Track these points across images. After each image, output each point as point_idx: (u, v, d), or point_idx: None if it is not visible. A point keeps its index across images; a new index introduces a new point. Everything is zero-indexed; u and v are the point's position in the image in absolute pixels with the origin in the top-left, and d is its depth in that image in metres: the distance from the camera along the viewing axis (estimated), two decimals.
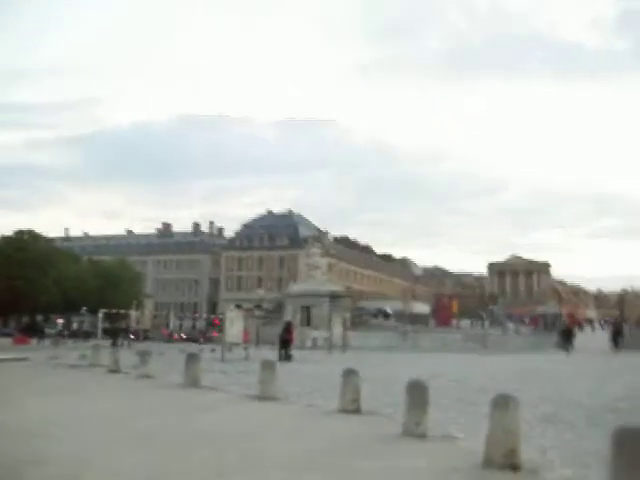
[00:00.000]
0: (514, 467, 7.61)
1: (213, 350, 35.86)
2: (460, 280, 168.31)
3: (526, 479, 7.40)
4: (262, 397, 14.60)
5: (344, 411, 12.43)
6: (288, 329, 34.09)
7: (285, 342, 32.92)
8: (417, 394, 10.01)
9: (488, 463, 7.75)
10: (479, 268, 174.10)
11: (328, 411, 12.75)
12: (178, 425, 11.41)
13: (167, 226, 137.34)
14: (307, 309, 51.80)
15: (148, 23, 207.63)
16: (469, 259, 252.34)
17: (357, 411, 12.37)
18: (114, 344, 38.06)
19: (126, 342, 47.10)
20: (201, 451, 9.02)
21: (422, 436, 9.68)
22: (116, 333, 48.53)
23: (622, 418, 11.27)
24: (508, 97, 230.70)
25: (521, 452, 7.84)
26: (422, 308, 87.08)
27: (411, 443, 9.51)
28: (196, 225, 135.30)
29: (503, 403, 8.01)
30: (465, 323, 75.92)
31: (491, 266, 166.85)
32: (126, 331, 53.49)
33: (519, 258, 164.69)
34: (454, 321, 74.85)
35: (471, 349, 39.36)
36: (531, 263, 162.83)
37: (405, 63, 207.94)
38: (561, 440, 10.08)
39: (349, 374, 12.98)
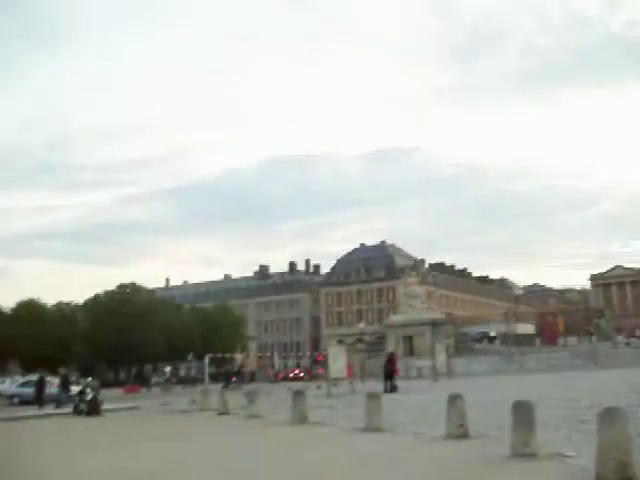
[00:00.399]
0: None
1: (319, 387, 36.08)
2: (563, 296, 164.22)
3: None
4: (369, 429, 14.69)
5: (451, 437, 12.40)
6: (391, 360, 34.08)
7: (389, 373, 32.91)
8: (523, 414, 9.95)
9: (600, 479, 7.65)
10: (581, 282, 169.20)
11: (435, 438, 12.75)
12: (288, 461, 11.63)
13: (264, 268, 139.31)
14: (409, 339, 51.64)
15: (223, 70, 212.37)
16: (570, 274, 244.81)
17: (464, 436, 12.32)
18: (224, 387, 38.58)
19: (234, 385, 47.80)
20: None
21: (532, 455, 9.59)
22: (226, 376, 49.21)
23: None
24: (593, 105, 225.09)
25: (634, 465, 7.69)
26: (526, 328, 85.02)
27: (520, 463, 9.44)
28: (292, 264, 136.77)
29: (610, 416, 7.91)
30: (572, 340, 73.83)
31: (594, 278, 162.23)
32: (239, 374, 54.11)
33: (623, 268, 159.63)
34: (561, 339, 72.80)
35: (580, 366, 38.32)
36: (636, 272, 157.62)
37: (483, 82, 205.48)
38: None
39: (454, 399, 12.96)
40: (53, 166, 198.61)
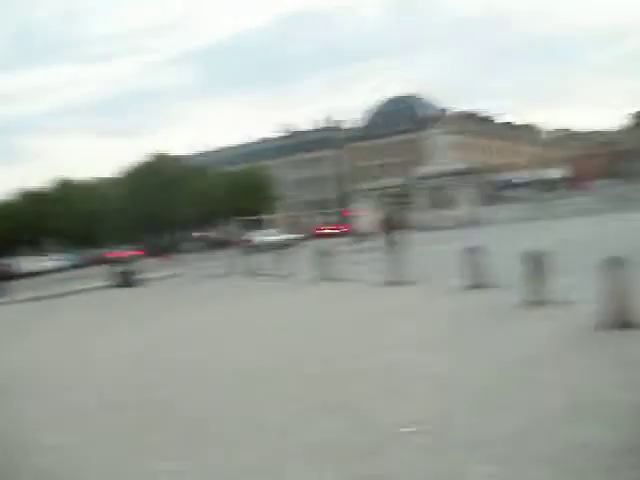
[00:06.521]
0: (625, 325, 7.82)
1: (348, 243, 36.70)
2: (593, 139, 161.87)
3: (633, 334, 7.61)
4: (391, 282, 15.21)
5: (468, 287, 12.83)
6: (389, 220, 31.97)
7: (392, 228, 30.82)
8: (534, 264, 10.25)
9: (601, 324, 8.00)
10: (612, 124, 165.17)
11: (451, 289, 13.16)
12: (313, 315, 12.37)
13: (288, 126, 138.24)
14: (436, 190, 51.60)
15: None
16: (599, 116, 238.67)
17: (481, 286, 12.71)
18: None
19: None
20: (334, 335, 9.90)
21: (540, 303, 9.97)
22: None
23: None
24: None
25: (633, 311, 7.96)
26: (555, 173, 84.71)
27: (528, 310, 9.86)
28: (316, 122, 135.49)
29: (614, 264, 8.18)
30: (603, 184, 73.20)
31: (630, 117, 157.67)
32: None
33: None
34: (591, 183, 72.44)
35: (610, 210, 38.02)
36: None
37: None
38: None
39: (471, 251, 13.34)
40: (70, 39, 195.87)
